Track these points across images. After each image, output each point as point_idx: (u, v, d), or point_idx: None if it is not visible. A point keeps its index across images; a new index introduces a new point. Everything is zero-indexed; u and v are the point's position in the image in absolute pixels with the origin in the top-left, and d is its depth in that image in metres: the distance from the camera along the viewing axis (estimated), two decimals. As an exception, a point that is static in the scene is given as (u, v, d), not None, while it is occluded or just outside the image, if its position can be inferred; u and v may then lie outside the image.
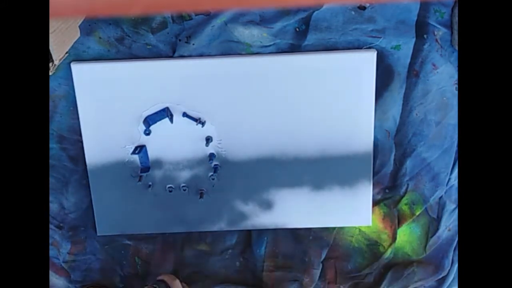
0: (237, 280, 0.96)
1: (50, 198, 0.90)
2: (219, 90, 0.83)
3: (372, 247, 0.95)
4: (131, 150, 0.86)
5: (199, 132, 0.85)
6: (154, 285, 0.81)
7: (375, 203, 0.92)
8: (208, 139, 0.85)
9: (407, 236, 0.94)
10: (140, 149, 0.85)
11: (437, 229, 0.93)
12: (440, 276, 0.96)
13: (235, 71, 0.82)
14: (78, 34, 0.77)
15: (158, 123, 0.84)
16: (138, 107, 0.84)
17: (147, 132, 0.84)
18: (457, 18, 0.79)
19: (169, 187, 0.89)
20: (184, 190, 0.89)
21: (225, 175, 0.88)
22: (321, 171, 0.88)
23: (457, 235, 0.92)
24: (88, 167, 0.88)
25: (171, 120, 0.83)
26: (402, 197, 0.91)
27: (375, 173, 0.89)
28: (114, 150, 0.86)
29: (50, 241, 0.94)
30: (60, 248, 0.94)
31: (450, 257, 0.95)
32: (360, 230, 0.94)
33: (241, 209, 0.91)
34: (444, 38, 0.82)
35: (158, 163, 0.87)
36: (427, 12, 0.81)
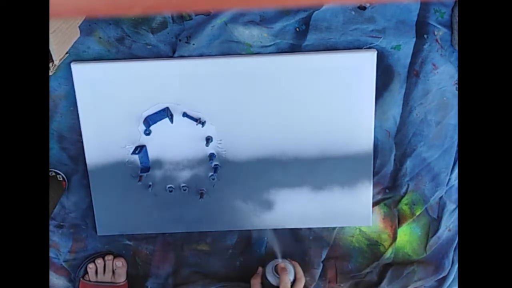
0: (237, 280, 0.96)
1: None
2: (219, 90, 0.83)
3: (373, 247, 0.95)
4: (131, 150, 0.86)
5: (199, 132, 0.85)
6: None
7: (375, 203, 0.92)
8: (208, 139, 0.85)
9: (407, 236, 0.94)
10: (140, 149, 0.85)
11: (437, 229, 0.93)
12: (440, 276, 0.96)
13: (235, 71, 0.82)
14: (78, 34, 0.77)
15: (158, 123, 0.83)
16: (138, 107, 0.83)
17: (147, 132, 0.84)
18: (457, 18, 0.79)
19: (169, 187, 0.89)
20: (184, 190, 0.89)
21: (225, 175, 0.88)
22: (321, 171, 0.88)
23: (457, 235, 0.92)
24: (88, 167, 0.88)
25: (171, 120, 0.83)
26: (402, 197, 0.91)
27: (375, 173, 0.89)
28: (114, 150, 0.86)
29: (50, 241, 0.94)
30: (60, 248, 0.94)
31: (450, 257, 0.95)
32: (360, 230, 0.94)
33: (241, 209, 0.91)
34: (444, 38, 0.82)
35: (158, 163, 0.87)
36: (427, 12, 0.81)
